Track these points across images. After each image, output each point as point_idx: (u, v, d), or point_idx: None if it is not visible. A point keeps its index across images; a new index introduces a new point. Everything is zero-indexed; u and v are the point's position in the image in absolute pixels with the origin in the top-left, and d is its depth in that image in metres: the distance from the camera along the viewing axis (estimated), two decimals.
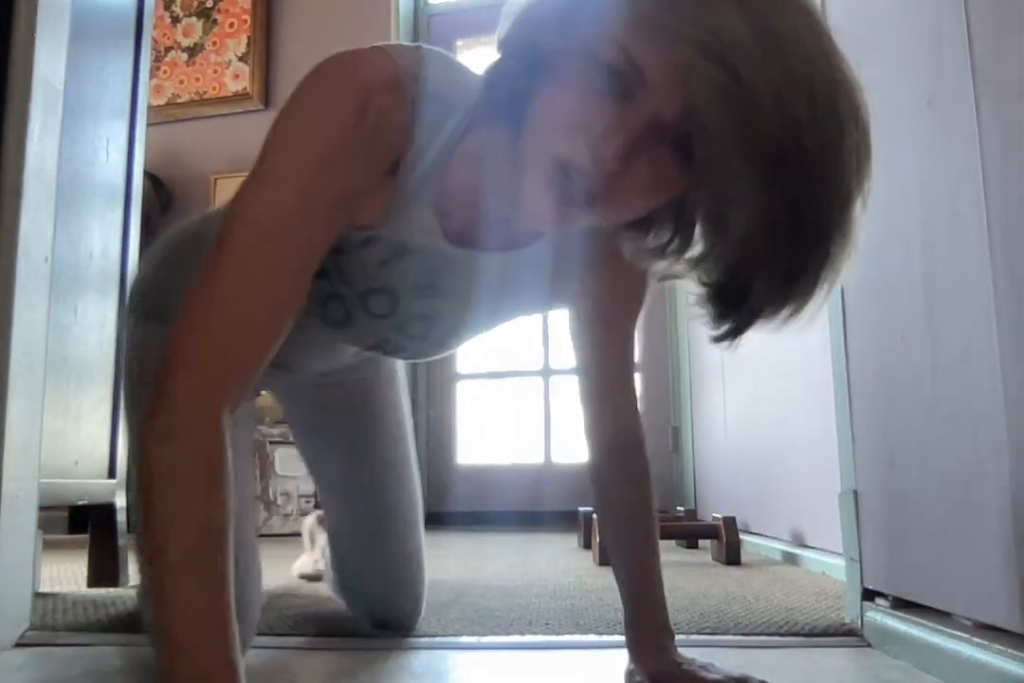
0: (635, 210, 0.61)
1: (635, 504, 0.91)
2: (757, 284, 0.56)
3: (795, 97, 0.50)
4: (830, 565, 1.69)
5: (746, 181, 0.51)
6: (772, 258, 0.54)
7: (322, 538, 1.59)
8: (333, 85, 0.64)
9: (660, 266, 0.66)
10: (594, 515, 2.04)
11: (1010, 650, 0.76)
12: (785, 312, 0.57)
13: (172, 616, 0.55)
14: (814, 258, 0.54)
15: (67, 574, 1.69)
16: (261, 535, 2.49)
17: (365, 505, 1.11)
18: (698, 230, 0.60)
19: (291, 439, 1.29)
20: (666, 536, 2.19)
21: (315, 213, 0.63)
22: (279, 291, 0.62)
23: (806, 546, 1.92)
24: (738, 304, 0.58)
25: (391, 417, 1.14)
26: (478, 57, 3.68)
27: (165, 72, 3.60)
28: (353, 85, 0.64)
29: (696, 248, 0.61)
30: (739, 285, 0.57)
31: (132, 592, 1.42)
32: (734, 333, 0.60)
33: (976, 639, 0.82)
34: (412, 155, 0.68)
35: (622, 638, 0.88)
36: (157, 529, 0.56)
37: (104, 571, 1.54)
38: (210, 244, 0.62)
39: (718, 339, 0.61)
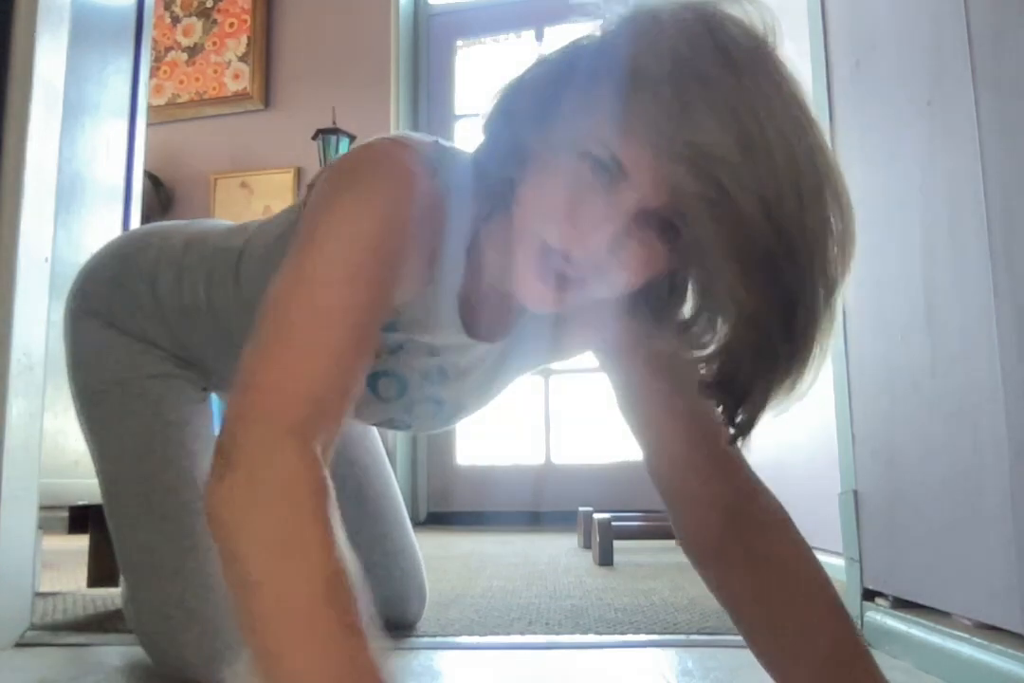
0: (624, 287, 0.61)
1: (803, 572, 0.67)
2: (753, 370, 0.57)
3: (780, 202, 0.50)
4: (830, 565, 1.68)
5: (733, 278, 0.52)
6: (763, 346, 0.55)
7: None
8: (377, 178, 0.63)
9: (656, 334, 0.66)
10: (595, 515, 2.04)
11: (1010, 650, 0.76)
12: (781, 395, 0.57)
13: None
14: (803, 345, 0.55)
15: (67, 574, 1.69)
16: None
17: (348, 511, 1.11)
18: (690, 299, 0.61)
19: None
20: (666, 536, 2.19)
21: (365, 305, 0.59)
22: (340, 338, 0.57)
23: None
24: (741, 393, 0.58)
25: (366, 432, 1.16)
26: (478, 57, 3.68)
27: (165, 72, 3.60)
28: (398, 180, 0.63)
29: (687, 315, 0.62)
30: (737, 373, 0.58)
31: None
32: (746, 426, 0.60)
33: (976, 639, 0.82)
34: (445, 243, 0.69)
35: (622, 638, 0.88)
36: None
37: (104, 571, 1.53)
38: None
39: (734, 438, 0.61)
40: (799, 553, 0.68)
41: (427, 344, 0.78)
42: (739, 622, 0.69)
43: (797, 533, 0.69)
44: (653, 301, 0.64)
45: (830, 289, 0.54)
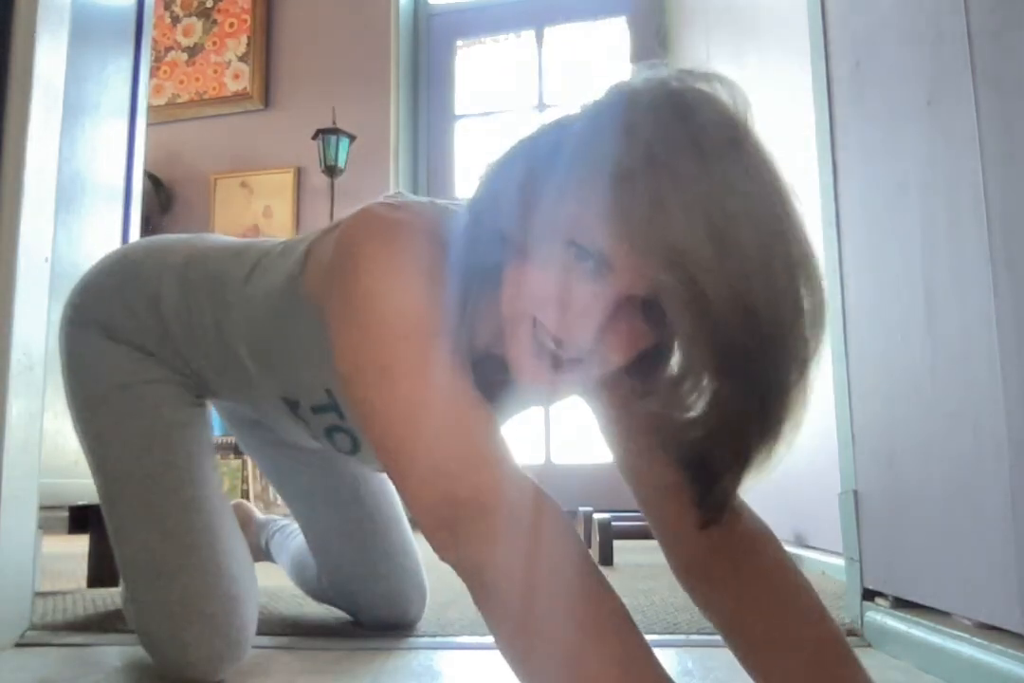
0: (615, 364, 0.62)
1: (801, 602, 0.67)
2: (727, 451, 0.60)
3: (752, 296, 0.52)
4: (830, 565, 1.69)
5: (709, 365, 0.55)
6: (738, 428, 0.58)
7: None
8: (395, 253, 0.64)
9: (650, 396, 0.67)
10: (594, 515, 2.04)
11: (1010, 650, 0.76)
12: (755, 466, 0.60)
13: None
14: (777, 421, 0.57)
15: (67, 574, 1.69)
16: None
17: (345, 512, 1.11)
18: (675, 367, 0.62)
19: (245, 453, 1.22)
20: None
21: (448, 356, 0.62)
22: (454, 404, 0.60)
23: (806, 546, 1.92)
24: (713, 480, 0.62)
25: None
26: (478, 57, 3.68)
27: (165, 72, 3.60)
28: (415, 252, 0.64)
29: (676, 372, 0.63)
30: (711, 457, 0.61)
31: None
32: (719, 510, 0.64)
33: (976, 639, 0.82)
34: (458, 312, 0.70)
35: None
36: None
37: (104, 571, 1.53)
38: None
39: (706, 522, 0.65)
40: (783, 569, 0.69)
41: None
42: (727, 638, 0.69)
43: (781, 549, 0.70)
44: (643, 361, 0.64)
45: (802, 369, 0.56)
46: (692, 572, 0.72)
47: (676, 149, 0.53)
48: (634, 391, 0.68)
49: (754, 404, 0.56)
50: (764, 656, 0.66)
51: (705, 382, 0.58)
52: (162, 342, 0.96)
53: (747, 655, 0.67)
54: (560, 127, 0.62)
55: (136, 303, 0.96)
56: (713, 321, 0.52)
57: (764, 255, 0.52)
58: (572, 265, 0.57)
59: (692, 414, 0.60)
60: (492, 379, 0.75)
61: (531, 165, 0.62)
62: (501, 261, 0.63)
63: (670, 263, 0.52)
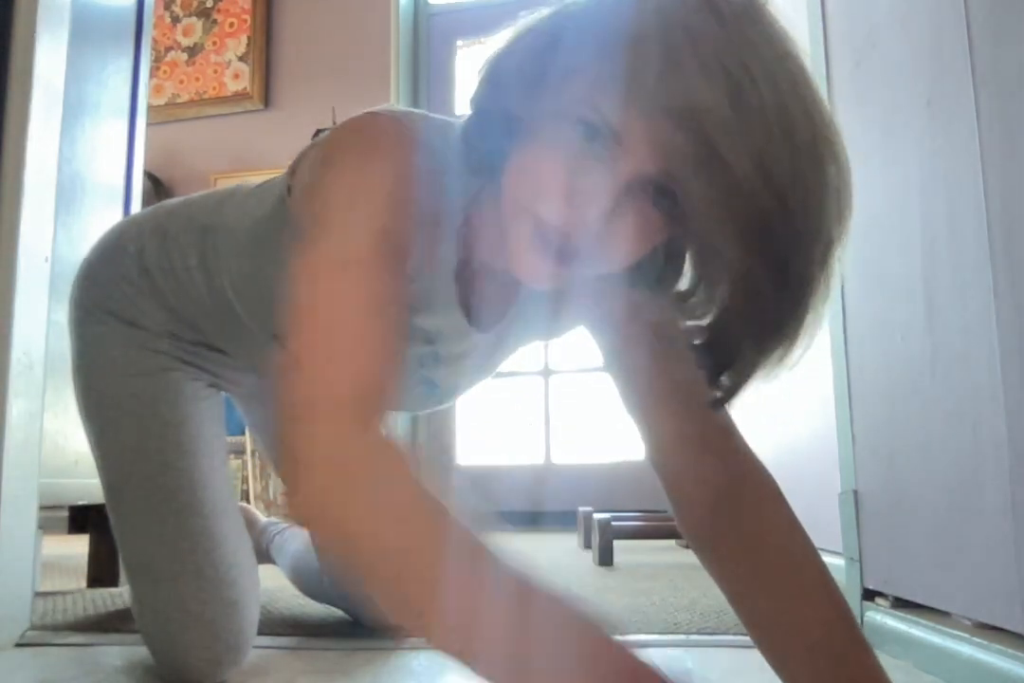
0: (624, 260, 0.59)
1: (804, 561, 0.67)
2: (745, 335, 0.56)
3: (773, 157, 0.49)
4: (830, 565, 1.69)
5: (729, 240, 0.51)
6: (758, 310, 0.54)
7: None
8: (374, 156, 0.62)
9: (653, 305, 0.66)
10: (594, 515, 2.04)
11: (1010, 650, 0.76)
12: (773, 362, 0.56)
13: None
14: (798, 308, 0.54)
15: (67, 574, 1.69)
16: None
17: None
18: (687, 270, 0.60)
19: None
20: (666, 536, 2.19)
21: (387, 277, 0.59)
22: (375, 319, 0.56)
23: None
24: (729, 358, 0.57)
25: None
26: (478, 57, 3.68)
27: (165, 72, 3.60)
28: (396, 156, 0.62)
29: (685, 286, 0.61)
30: (728, 338, 0.57)
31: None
32: (731, 391, 0.59)
33: (976, 639, 0.82)
34: (443, 227, 0.68)
35: (622, 638, 0.88)
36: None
37: (104, 571, 1.54)
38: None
39: (718, 402, 0.60)
40: (791, 531, 0.68)
41: (424, 330, 0.76)
42: (734, 603, 0.69)
43: (789, 510, 0.69)
44: (650, 271, 0.63)
45: (827, 250, 0.52)
46: (697, 528, 0.71)
47: (691, 11, 0.50)
48: (644, 303, 0.66)
49: (776, 283, 0.52)
50: (767, 629, 0.66)
51: (718, 289, 0.55)
52: (156, 302, 0.93)
53: (750, 624, 0.68)
54: (563, 9, 0.59)
55: (123, 261, 0.94)
56: (730, 185, 0.49)
57: (786, 119, 0.49)
58: (579, 146, 0.54)
59: (703, 321, 0.57)
60: (492, 296, 0.73)
61: (536, 45, 0.59)
62: (503, 161, 0.60)
63: (686, 125, 0.49)
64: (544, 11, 0.60)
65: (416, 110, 0.70)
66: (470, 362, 0.82)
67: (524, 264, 0.59)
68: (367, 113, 0.66)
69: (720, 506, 0.69)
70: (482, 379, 0.89)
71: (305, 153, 0.77)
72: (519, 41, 0.61)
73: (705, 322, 0.58)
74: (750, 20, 0.51)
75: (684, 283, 0.61)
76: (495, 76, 0.62)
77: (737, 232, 0.50)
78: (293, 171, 0.79)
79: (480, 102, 0.63)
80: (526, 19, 0.61)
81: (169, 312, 0.93)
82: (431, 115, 0.70)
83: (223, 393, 1.02)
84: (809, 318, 0.54)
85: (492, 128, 0.62)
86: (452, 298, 0.73)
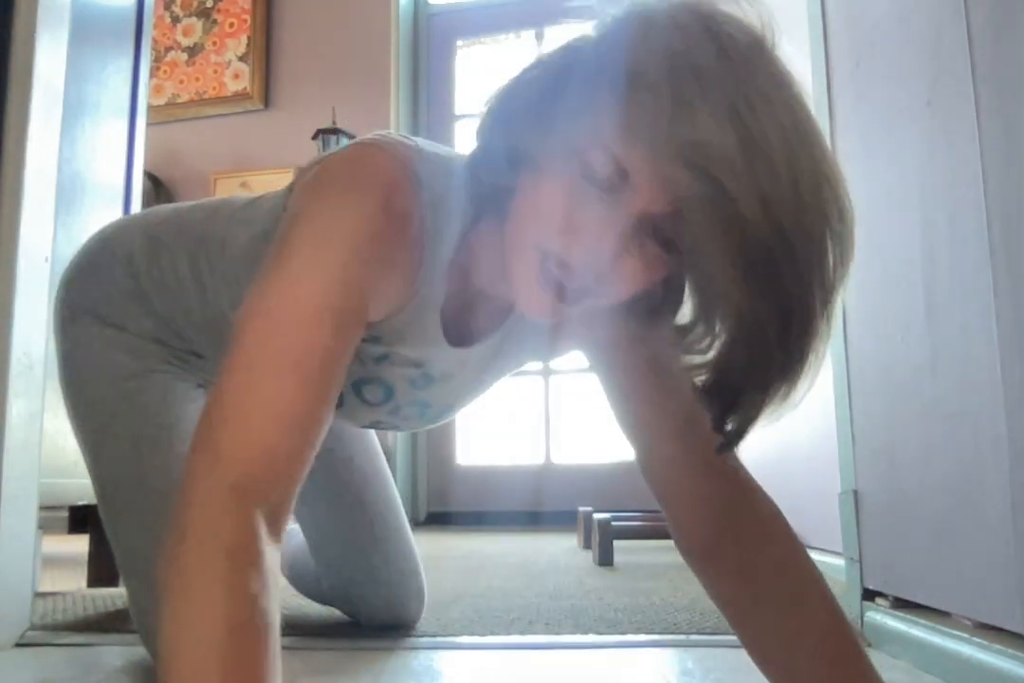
0: (627, 293, 0.60)
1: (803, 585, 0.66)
2: (747, 374, 0.56)
3: (780, 201, 0.50)
4: (830, 565, 1.69)
5: (732, 280, 0.51)
6: (759, 349, 0.54)
7: None
8: (355, 185, 0.62)
9: (651, 336, 0.66)
10: (594, 515, 2.04)
11: (1010, 650, 0.76)
12: (777, 401, 0.56)
13: None
14: (800, 349, 0.54)
15: (67, 574, 1.69)
16: None
17: (348, 516, 1.11)
18: (686, 304, 0.60)
19: None
20: (666, 536, 2.19)
21: (344, 309, 0.58)
22: (302, 389, 0.54)
23: (806, 546, 1.92)
24: (733, 398, 0.57)
25: (363, 434, 1.16)
26: (478, 57, 3.68)
27: (165, 72, 3.60)
28: (374, 186, 0.62)
29: (684, 320, 0.61)
30: (730, 377, 0.57)
31: None
32: (738, 434, 0.59)
33: (976, 639, 0.82)
34: (426, 255, 0.68)
35: (622, 638, 0.88)
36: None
37: (104, 571, 1.53)
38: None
39: (723, 447, 0.60)
40: (793, 553, 0.67)
41: (410, 357, 0.78)
42: (733, 622, 0.69)
43: (791, 532, 0.68)
44: (649, 304, 0.63)
45: (828, 293, 0.53)
46: (698, 550, 0.70)
47: (701, 53, 0.51)
48: (642, 336, 0.66)
49: (778, 324, 0.52)
50: (766, 645, 0.66)
51: (719, 325, 0.55)
52: (142, 307, 0.92)
53: (749, 641, 0.67)
54: (573, 47, 0.60)
55: (112, 265, 0.94)
56: (737, 228, 0.50)
57: (792, 163, 0.50)
58: (586, 183, 0.55)
59: (702, 358, 0.58)
60: (480, 318, 0.74)
61: (545, 82, 0.59)
62: (509, 195, 0.60)
63: (695, 166, 0.49)
64: (555, 48, 0.61)
65: (418, 141, 0.70)
66: (462, 382, 0.83)
67: (528, 299, 0.60)
68: (370, 144, 0.66)
69: (723, 528, 0.68)
70: (475, 398, 0.90)
71: (305, 171, 0.76)
72: (529, 76, 0.62)
73: (706, 359, 0.58)
74: (759, 63, 0.52)
75: (683, 317, 0.61)
76: (503, 111, 0.62)
77: (740, 273, 0.51)
78: (291, 189, 0.79)
79: (487, 136, 0.64)
80: (538, 56, 0.62)
81: (156, 319, 0.93)
82: (430, 146, 0.70)
83: None
84: (811, 358, 0.55)
85: (498, 162, 0.62)
86: (437, 326, 0.73)
